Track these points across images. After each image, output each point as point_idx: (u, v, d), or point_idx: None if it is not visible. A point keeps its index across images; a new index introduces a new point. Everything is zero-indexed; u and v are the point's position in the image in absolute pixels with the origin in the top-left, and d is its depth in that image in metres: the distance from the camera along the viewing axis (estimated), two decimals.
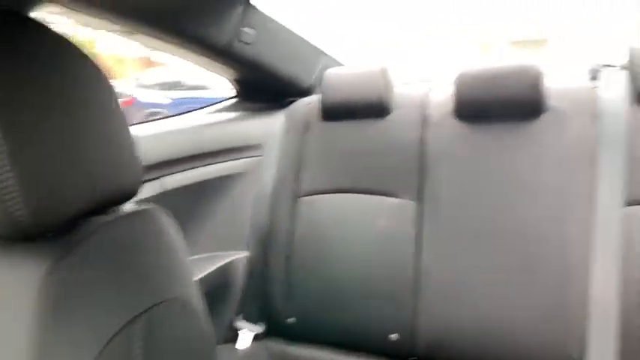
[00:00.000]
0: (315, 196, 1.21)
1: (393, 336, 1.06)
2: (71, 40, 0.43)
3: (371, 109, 1.19)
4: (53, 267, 0.37)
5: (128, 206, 0.48)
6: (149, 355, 0.38)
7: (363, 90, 1.19)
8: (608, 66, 1.07)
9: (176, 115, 1.25)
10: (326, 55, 1.43)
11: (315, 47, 1.38)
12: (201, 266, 1.15)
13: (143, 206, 0.49)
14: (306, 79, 1.39)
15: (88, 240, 0.40)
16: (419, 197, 1.11)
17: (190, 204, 1.17)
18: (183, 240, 0.52)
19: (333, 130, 1.24)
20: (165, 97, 7.23)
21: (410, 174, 1.13)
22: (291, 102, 1.37)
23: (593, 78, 1.07)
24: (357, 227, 1.15)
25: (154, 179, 1.06)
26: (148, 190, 1.05)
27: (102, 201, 0.44)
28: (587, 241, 0.94)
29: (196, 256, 1.18)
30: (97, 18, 0.84)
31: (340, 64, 1.49)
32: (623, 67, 1.04)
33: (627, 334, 0.86)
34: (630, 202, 0.93)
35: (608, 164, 0.96)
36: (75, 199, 0.41)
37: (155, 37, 0.97)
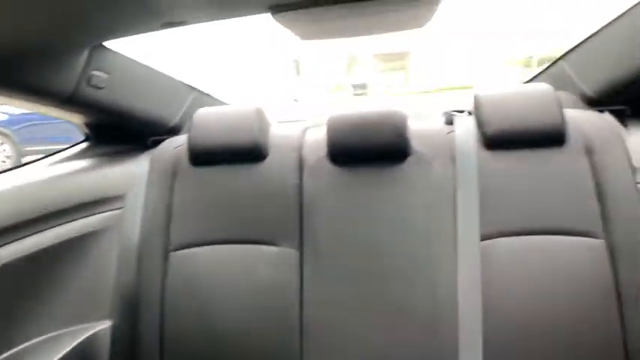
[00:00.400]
0: (188, 250, 1.11)
1: None
2: None
3: (245, 153, 1.14)
4: None
5: None
6: None
7: (236, 133, 1.14)
8: (460, 112, 1.19)
9: (10, 169, 1.05)
10: (197, 90, 1.34)
11: (183, 83, 1.29)
12: (58, 346, 0.98)
13: None
14: (171, 117, 1.28)
15: None
16: (300, 245, 1.10)
17: (38, 274, 0.99)
18: None
19: (204, 176, 1.16)
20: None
21: (289, 221, 1.11)
22: (156, 142, 1.25)
23: (449, 122, 1.18)
24: (237, 280, 1.09)
25: None
26: None
27: None
28: (451, 276, 1.02)
29: (49, 335, 1.00)
30: None
31: (216, 100, 1.41)
32: (470, 113, 1.16)
33: (491, 351, 0.96)
34: (484, 237, 1.04)
35: (465, 205, 1.06)
36: None
37: None
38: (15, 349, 0.92)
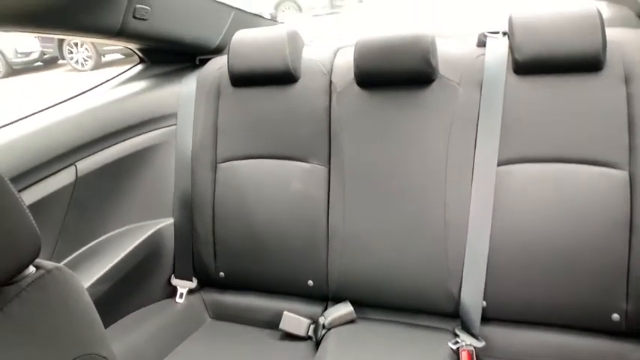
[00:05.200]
0: (233, 162, 1.28)
1: (310, 282, 1.23)
2: None
3: (278, 76, 1.22)
4: None
5: (31, 269, 0.54)
6: None
7: (270, 57, 1.21)
8: (494, 33, 1.15)
9: (82, 93, 1.23)
10: (236, 9, 1.39)
11: (222, 4, 1.34)
12: (133, 236, 1.24)
13: (46, 267, 0.56)
14: (213, 39, 1.37)
15: None
16: (328, 162, 1.21)
17: (112, 181, 1.21)
18: (87, 295, 0.59)
19: (243, 96, 1.27)
20: None
21: (319, 141, 1.22)
22: (203, 61, 1.37)
23: (481, 44, 1.15)
24: (273, 190, 1.25)
25: (68, 166, 1.08)
26: (64, 178, 1.08)
27: (6, 273, 0.50)
28: (464, 198, 1.09)
29: (126, 228, 1.26)
30: None
31: (255, 16, 1.46)
32: (505, 34, 1.13)
33: (493, 272, 1.07)
34: (501, 163, 1.08)
35: (486, 130, 1.09)
36: None
37: (41, 33, 0.93)
38: (99, 239, 1.18)
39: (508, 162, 1.08)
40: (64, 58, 7.44)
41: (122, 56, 7.36)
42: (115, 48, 7.19)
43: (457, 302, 1.10)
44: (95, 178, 1.15)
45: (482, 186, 1.08)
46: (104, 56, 7.38)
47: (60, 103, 1.15)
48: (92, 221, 1.18)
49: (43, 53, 7.47)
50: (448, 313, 1.13)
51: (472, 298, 1.07)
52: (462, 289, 1.09)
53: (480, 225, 1.08)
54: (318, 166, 1.22)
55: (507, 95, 1.08)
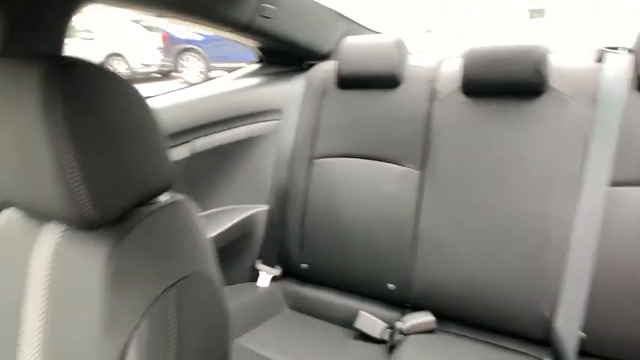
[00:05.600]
0: (328, 159, 1.33)
1: (391, 286, 1.22)
2: (121, 76, 0.56)
3: (383, 80, 1.27)
4: (114, 250, 0.53)
5: (164, 197, 0.62)
6: (180, 312, 0.53)
7: (376, 62, 1.26)
8: (615, 49, 1.09)
9: (205, 81, 1.37)
10: (346, 19, 1.48)
11: (335, 13, 1.43)
12: (228, 217, 1.33)
13: (176, 197, 0.63)
14: (324, 44, 1.46)
15: (136, 228, 0.55)
16: (422, 167, 1.22)
17: (218, 163, 1.33)
18: (205, 224, 0.66)
19: (346, 98, 1.33)
20: (197, 34, 7.44)
21: (415, 145, 1.23)
22: (311, 65, 1.46)
23: (599, 60, 1.10)
24: (365, 190, 1.27)
25: (186, 142, 1.21)
26: (182, 152, 1.20)
27: (146, 195, 0.58)
28: (568, 216, 1.03)
29: (223, 208, 1.35)
30: (131, 8, 0.95)
31: (364, 28, 1.54)
32: (630, 51, 1.07)
33: (595, 300, 0.98)
34: (614, 183, 1.01)
35: (600, 147, 1.03)
36: (126, 196, 0.55)
37: (182, 19, 1.07)
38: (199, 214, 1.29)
39: (622, 183, 1.00)
40: (177, 71, 8.27)
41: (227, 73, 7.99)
42: (220, 65, 7.84)
43: (549, 328, 1.02)
44: (205, 157, 1.26)
45: (590, 205, 1.01)
46: (210, 72, 8.08)
47: (187, 87, 1.30)
48: (196, 197, 1.29)
49: (161, 65, 8.38)
50: (537, 339, 1.05)
51: (568, 327, 0.99)
52: (558, 314, 1.01)
53: (585, 246, 1.00)
54: (412, 170, 1.23)
55: (627, 113, 1.01)
